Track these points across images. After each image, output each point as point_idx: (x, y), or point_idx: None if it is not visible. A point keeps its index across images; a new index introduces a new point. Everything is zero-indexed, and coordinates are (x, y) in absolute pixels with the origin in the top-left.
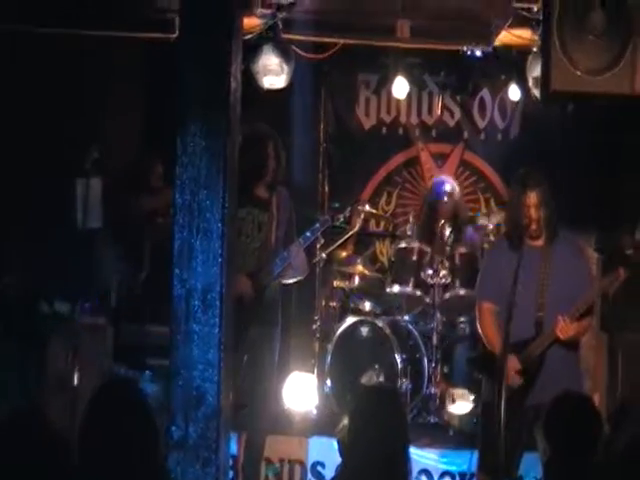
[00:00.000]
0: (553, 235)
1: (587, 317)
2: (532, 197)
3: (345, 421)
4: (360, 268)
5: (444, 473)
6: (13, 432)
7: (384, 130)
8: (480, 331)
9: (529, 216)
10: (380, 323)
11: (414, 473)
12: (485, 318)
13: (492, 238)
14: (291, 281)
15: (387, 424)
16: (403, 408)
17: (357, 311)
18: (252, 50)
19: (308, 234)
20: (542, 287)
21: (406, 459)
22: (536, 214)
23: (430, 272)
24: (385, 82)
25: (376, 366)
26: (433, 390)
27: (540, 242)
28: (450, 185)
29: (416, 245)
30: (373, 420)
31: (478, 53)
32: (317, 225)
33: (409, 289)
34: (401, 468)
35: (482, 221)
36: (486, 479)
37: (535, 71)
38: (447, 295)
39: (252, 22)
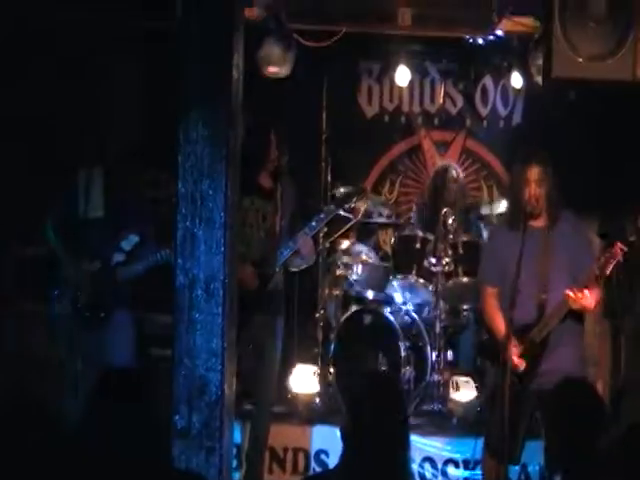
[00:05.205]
0: (555, 216)
1: (594, 288)
2: (534, 173)
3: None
4: (363, 257)
5: (448, 461)
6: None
7: (386, 118)
8: (484, 315)
9: (530, 193)
10: (383, 311)
11: (418, 461)
12: (487, 302)
13: None
14: (297, 269)
15: (386, 411)
16: (402, 394)
17: (360, 300)
18: (254, 39)
19: (313, 224)
20: (544, 269)
21: (406, 446)
22: (537, 191)
23: (433, 260)
24: (387, 70)
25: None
26: (436, 378)
27: (541, 223)
28: (454, 171)
29: (419, 233)
30: (371, 407)
31: (480, 40)
32: (322, 215)
33: (412, 277)
34: (402, 455)
35: (485, 210)
36: (491, 461)
37: (537, 58)
38: (450, 283)
39: (254, 11)
